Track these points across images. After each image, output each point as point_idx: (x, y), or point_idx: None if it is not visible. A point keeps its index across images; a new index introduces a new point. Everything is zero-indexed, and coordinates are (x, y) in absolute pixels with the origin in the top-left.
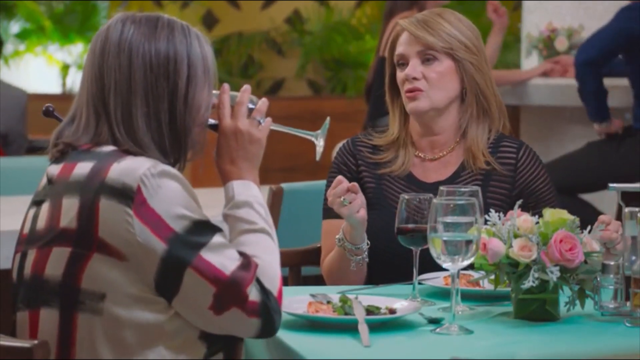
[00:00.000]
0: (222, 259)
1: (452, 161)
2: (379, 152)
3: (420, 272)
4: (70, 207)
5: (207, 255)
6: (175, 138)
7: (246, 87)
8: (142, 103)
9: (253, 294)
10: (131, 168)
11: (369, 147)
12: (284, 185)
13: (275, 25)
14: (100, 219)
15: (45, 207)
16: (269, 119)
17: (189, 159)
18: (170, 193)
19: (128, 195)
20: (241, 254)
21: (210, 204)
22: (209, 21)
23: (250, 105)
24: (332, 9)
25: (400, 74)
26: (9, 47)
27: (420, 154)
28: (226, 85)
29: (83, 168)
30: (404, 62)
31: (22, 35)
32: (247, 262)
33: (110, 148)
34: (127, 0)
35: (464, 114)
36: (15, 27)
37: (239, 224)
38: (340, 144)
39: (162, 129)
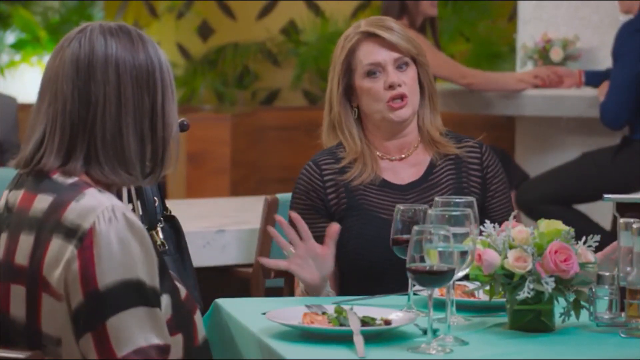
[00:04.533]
0: (124, 337)
1: (419, 159)
2: (345, 170)
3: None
4: (25, 244)
5: (112, 326)
6: (154, 154)
7: None
8: (132, 120)
9: None
10: (88, 209)
11: (335, 170)
12: (279, 195)
13: (271, 35)
14: (47, 257)
15: (3, 237)
16: None
17: (164, 173)
18: (115, 243)
19: (79, 236)
20: (164, 342)
21: (204, 214)
22: (205, 32)
23: None
24: (328, 20)
25: (376, 84)
26: (4, 58)
27: (386, 157)
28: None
29: (42, 202)
30: (376, 71)
31: (17, 46)
32: (153, 352)
33: (73, 179)
34: (122, 11)
35: (421, 113)
36: (10, 37)
37: None
38: (305, 167)
39: (144, 146)
